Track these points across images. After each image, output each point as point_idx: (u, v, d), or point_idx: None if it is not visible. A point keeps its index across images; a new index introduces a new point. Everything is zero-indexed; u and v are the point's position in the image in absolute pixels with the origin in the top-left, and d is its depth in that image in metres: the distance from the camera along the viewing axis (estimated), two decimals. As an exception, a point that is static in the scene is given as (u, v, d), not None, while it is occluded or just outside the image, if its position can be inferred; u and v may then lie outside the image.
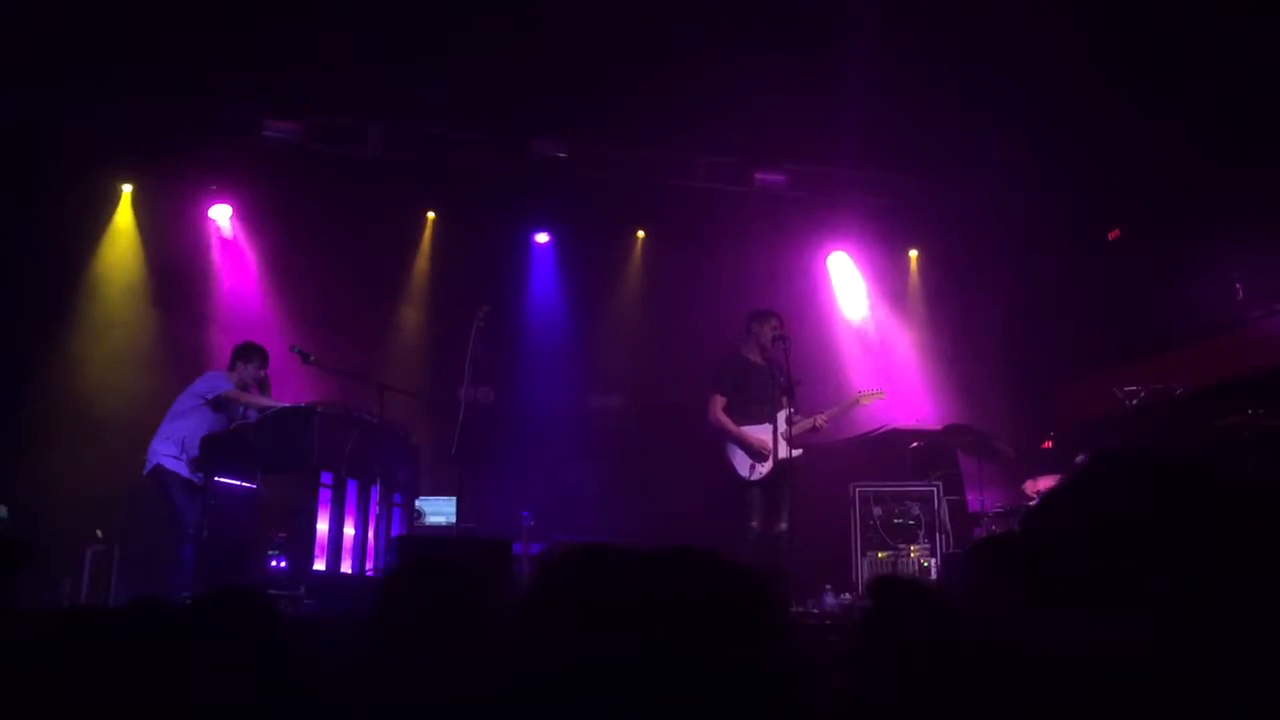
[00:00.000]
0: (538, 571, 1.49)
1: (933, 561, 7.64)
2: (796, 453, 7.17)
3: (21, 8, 7.38)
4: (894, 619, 2.05)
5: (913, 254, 10.65)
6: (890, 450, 8.39)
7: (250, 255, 9.37)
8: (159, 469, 7.12)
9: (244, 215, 9.36)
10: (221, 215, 9.30)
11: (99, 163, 8.79)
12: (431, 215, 9.90)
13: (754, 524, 7.22)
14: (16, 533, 7.14)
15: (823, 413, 7.56)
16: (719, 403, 7.45)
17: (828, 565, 7.70)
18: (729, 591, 1.59)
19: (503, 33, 7.79)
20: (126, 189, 9.09)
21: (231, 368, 7.56)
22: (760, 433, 7.35)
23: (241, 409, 7.34)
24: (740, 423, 7.38)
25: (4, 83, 8.12)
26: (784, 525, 7.17)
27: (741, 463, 7.35)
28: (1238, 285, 8.03)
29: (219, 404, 7.33)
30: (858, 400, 7.79)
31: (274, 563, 7.44)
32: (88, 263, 8.91)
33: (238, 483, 7.05)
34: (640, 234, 10.35)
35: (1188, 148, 7.82)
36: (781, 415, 7.22)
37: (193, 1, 7.44)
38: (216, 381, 7.41)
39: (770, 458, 7.25)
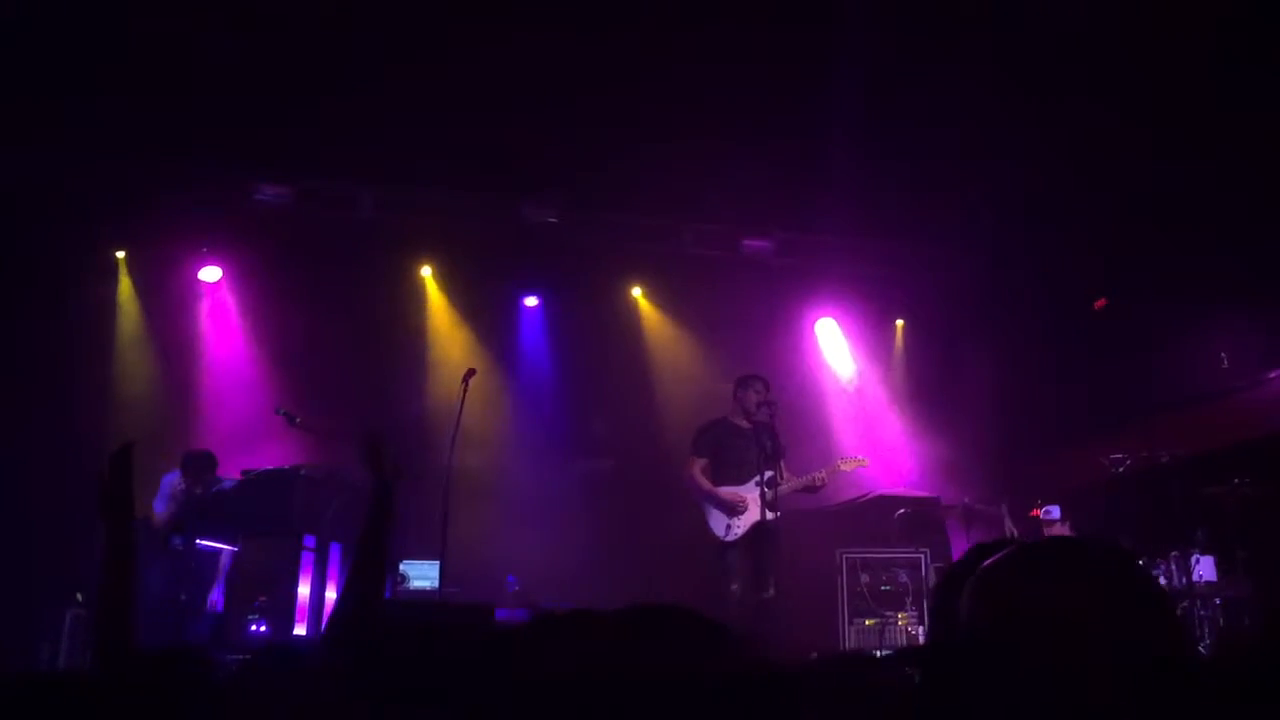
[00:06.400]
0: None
1: (920, 629, 7.58)
2: (773, 515, 7.11)
3: (17, 70, 7.46)
4: None
5: (899, 323, 10.70)
6: (877, 516, 8.35)
7: (239, 316, 9.35)
8: None
9: (233, 277, 9.36)
10: (211, 277, 9.29)
11: (91, 224, 8.80)
12: (425, 274, 9.91)
13: (735, 588, 7.16)
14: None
15: (813, 473, 7.52)
16: (697, 464, 7.49)
17: (814, 633, 7.63)
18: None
19: (495, 99, 7.88)
20: (120, 255, 9.11)
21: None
22: (736, 491, 7.33)
23: None
24: (720, 485, 7.37)
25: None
26: (771, 592, 7.10)
27: (718, 522, 7.34)
28: (1223, 355, 8.07)
29: None
30: (839, 466, 7.74)
31: (254, 627, 7.33)
32: (81, 328, 8.86)
33: (218, 545, 6.98)
34: (636, 290, 10.35)
35: (1174, 218, 7.90)
36: (767, 476, 7.18)
37: (185, 66, 7.51)
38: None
39: (746, 512, 7.22)
